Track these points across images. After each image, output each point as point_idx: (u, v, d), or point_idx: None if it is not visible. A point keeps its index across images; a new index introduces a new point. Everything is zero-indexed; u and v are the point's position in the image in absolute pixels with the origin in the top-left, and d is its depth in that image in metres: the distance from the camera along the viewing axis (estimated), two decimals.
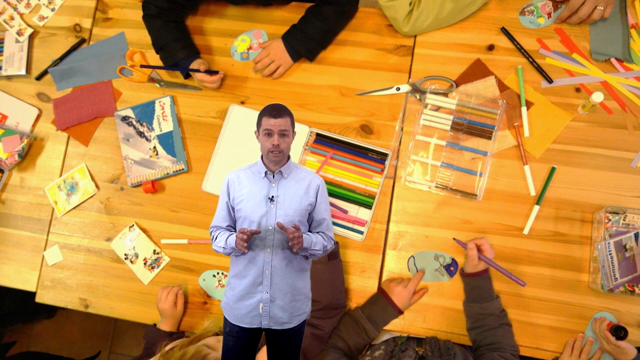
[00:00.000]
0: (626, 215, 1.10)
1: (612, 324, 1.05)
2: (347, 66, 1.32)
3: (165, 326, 1.20)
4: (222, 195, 0.89)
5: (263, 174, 0.87)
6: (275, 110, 0.84)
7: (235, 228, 0.89)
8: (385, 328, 1.16)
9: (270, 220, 0.85)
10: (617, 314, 1.11)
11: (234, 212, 0.88)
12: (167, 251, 1.30)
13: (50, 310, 2.20)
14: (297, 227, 0.81)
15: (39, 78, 1.46)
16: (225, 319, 0.88)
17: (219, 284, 1.25)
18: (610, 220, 1.10)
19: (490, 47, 1.26)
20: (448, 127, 1.23)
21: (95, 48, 1.45)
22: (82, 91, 1.42)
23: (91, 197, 1.36)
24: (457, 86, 1.25)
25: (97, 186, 1.37)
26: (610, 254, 1.06)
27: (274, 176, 0.87)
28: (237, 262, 0.86)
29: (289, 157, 0.89)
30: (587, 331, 1.11)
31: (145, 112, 1.37)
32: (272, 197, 0.86)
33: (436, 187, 1.21)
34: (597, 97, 1.11)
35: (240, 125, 1.32)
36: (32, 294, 1.35)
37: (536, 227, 1.17)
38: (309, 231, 0.90)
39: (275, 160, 0.86)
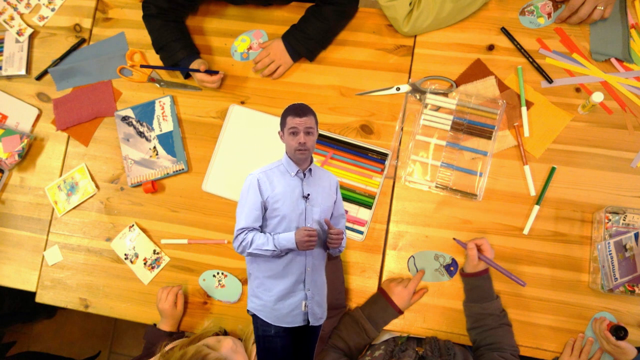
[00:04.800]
0: (626, 215, 1.10)
1: (612, 324, 1.05)
2: (347, 66, 1.32)
3: (165, 326, 1.20)
4: (253, 195, 0.86)
5: (293, 173, 0.87)
6: (300, 110, 0.85)
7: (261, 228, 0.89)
8: (385, 328, 1.16)
9: (309, 218, 0.87)
10: (617, 314, 1.11)
11: (265, 212, 0.87)
12: (167, 251, 1.30)
13: (50, 310, 2.20)
14: (338, 229, 0.86)
15: (39, 78, 1.46)
16: (262, 322, 0.87)
17: (219, 284, 1.25)
18: (610, 220, 1.10)
19: (490, 47, 1.26)
20: (448, 127, 1.23)
21: (95, 48, 1.45)
22: (82, 91, 1.42)
23: (91, 197, 1.36)
24: (457, 86, 1.25)
25: (97, 186, 1.37)
26: (610, 254, 1.06)
27: (304, 175, 0.88)
28: (274, 262, 0.86)
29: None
30: (587, 331, 1.11)
31: (145, 112, 1.37)
32: (308, 194, 0.87)
33: (436, 187, 1.21)
34: (597, 97, 1.11)
35: (240, 125, 1.32)
36: (32, 294, 1.35)
37: (536, 227, 1.17)
38: None
39: (302, 158, 0.87)
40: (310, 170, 0.89)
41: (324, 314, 0.90)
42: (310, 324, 0.88)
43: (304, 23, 1.28)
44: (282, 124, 0.88)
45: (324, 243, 0.90)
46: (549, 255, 1.15)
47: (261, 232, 0.88)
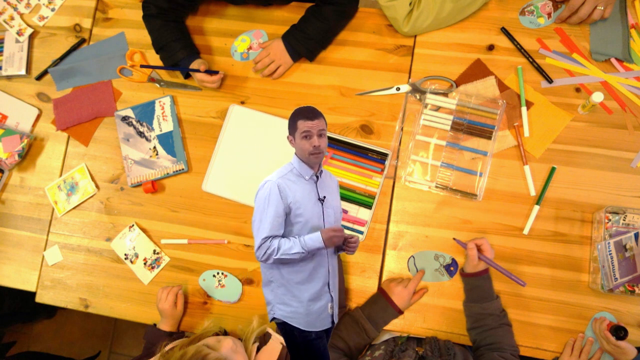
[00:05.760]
0: (626, 215, 1.10)
1: (612, 324, 1.05)
2: (347, 66, 1.32)
3: (165, 326, 1.20)
4: (274, 202, 0.84)
5: (308, 176, 0.87)
6: (310, 113, 0.85)
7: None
8: (385, 328, 1.16)
9: (326, 220, 0.88)
10: (617, 314, 1.11)
11: (287, 217, 0.86)
12: (167, 251, 1.30)
13: (50, 310, 2.20)
14: (354, 236, 0.89)
15: (39, 78, 1.46)
16: (297, 328, 0.87)
17: (219, 284, 1.25)
18: (610, 220, 1.10)
19: (490, 47, 1.26)
20: (448, 127, 1.23)
21: (95, 48, 1.45)
22: (82, 91, 1.42)
23: (91, 197, 1.36)
24: (457, 86, 1.25)
25: (97, 186, 1.37)
26: (610, 254, 1.06)
27: (317, 177, 0.88)
28: (301, 268, 0.86)
29: None
30: (587, 331, 1.11)
31: (145, 112, 1.37)
32: (324, 197, 0.87)
33: (436, 187, 1.21)
34: (597, 97, 1.11)
35: (240, 125, 1.32)
36: (32, 294, 1.35)
37: (536, 227, 1.17)
38: None
39: (317, 161, 0.87)
40: (321, 172, 0.90)
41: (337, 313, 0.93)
42: (333, 325, 0.91)
43: (304, 23, 1.28)
44: (292, 127, 0.86)
45: (339, 248, 0.91)
46: (549, 255, 1.15)
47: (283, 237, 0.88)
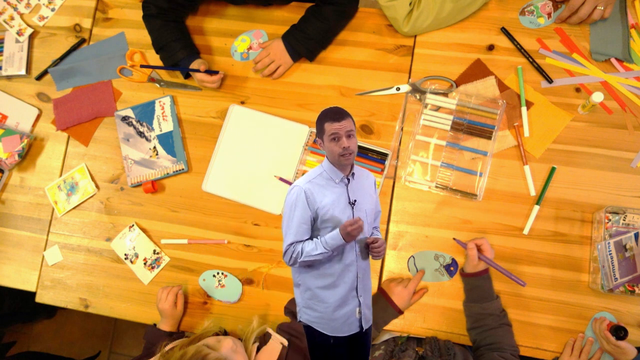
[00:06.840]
0: (626, 215, 1.10)
1: (612, 324, 1.05)
2: (347, 66, 1.32)
3: (165, 326, 1.20)
4: (300, 208, 0.84)
5: (338, 180, 0.86)
6: (336, 114, 0.83)
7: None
8: (385, 328, 1.16)
9: None
10: (617, 314, 1.11)
11: (315, 223, 0.86)
12: (167, 251, 1.30)
13: (50, 310, 2.20)
14: (379, 239, 0.85)
15: (39, 78, 1.46)
16: (318, 332, 0.87)
17: (219, 284, 1.25)
18: (610, 220, 1.10)
19: (490, 47, 1.26)
20: (448, 127, 1.23)
21: (95, 48, 1.45)
22: (82, 91, 1.42)
23: (91, 197, 1.36)
24: (457, 86, 1.25)
25: (97, 186, 1.37)
26: (610, 254, 1.06)
27: (348, 180, 0.87)
28: (327, 271, 0.85)
29: None
30: (587, 331, 1.11)
31: (145, 112, 1.37)
32: (355, 200, 0.86)
33: (436, 187, 1.21)
34: (597, 97, 1.11)
35: (240, 125, 1.32)
36: (32, 294, 1.35)
37: (536, 227, 1.17)
38: None
39: (347, 163, 0.85)
40: (353, 174, 0.88)
41: (371, 315, 0.90)
42: (363, 330, 0.89)
43: (304, 23, 1.28)
44: (320, 131, 0.84)
45: (368, 253, 0.90)
46: (549, 255, 1.15)
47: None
